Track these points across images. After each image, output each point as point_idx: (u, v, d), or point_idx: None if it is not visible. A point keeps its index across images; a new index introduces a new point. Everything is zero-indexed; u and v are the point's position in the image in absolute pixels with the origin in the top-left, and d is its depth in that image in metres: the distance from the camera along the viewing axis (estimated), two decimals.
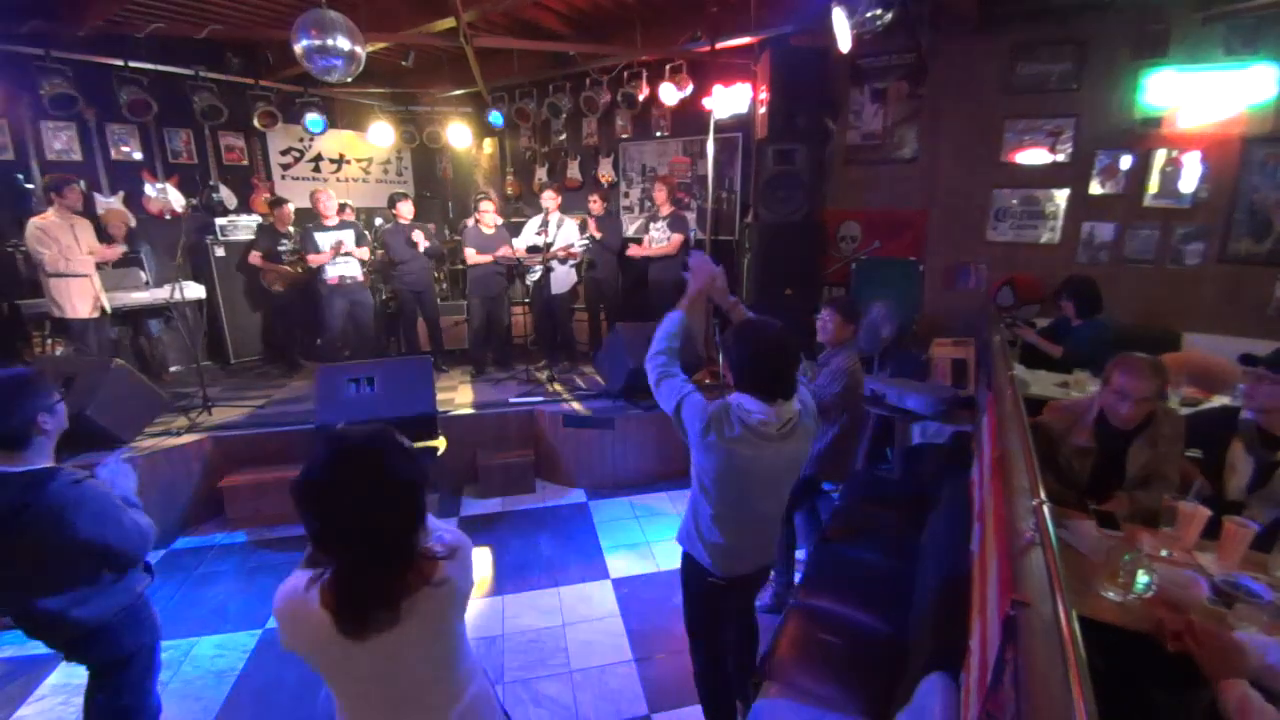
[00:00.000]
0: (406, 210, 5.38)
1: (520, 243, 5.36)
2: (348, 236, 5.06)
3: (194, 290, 5.39)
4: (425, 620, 1.14)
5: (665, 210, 5.40)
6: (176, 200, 5.68)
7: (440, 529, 1.28)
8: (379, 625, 1.08)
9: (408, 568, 1.11)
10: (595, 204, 5.64)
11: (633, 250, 5.58)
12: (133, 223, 5.32)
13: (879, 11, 3.75)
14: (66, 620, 1.75)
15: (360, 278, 5.16)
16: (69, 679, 2.63)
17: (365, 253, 5.20)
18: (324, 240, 4.98)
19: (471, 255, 5.30)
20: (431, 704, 1.24)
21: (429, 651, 1.20)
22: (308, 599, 1.07)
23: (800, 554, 3.13)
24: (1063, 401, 2.60)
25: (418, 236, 5.24)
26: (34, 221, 4.09)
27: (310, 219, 5.18)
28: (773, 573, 3.04)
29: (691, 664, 2.22)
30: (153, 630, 1.99)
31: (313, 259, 5.02)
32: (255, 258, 5.45)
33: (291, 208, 5.63)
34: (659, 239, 5.40)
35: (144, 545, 1.83)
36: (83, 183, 4.49)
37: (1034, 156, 4.51)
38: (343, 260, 5.02)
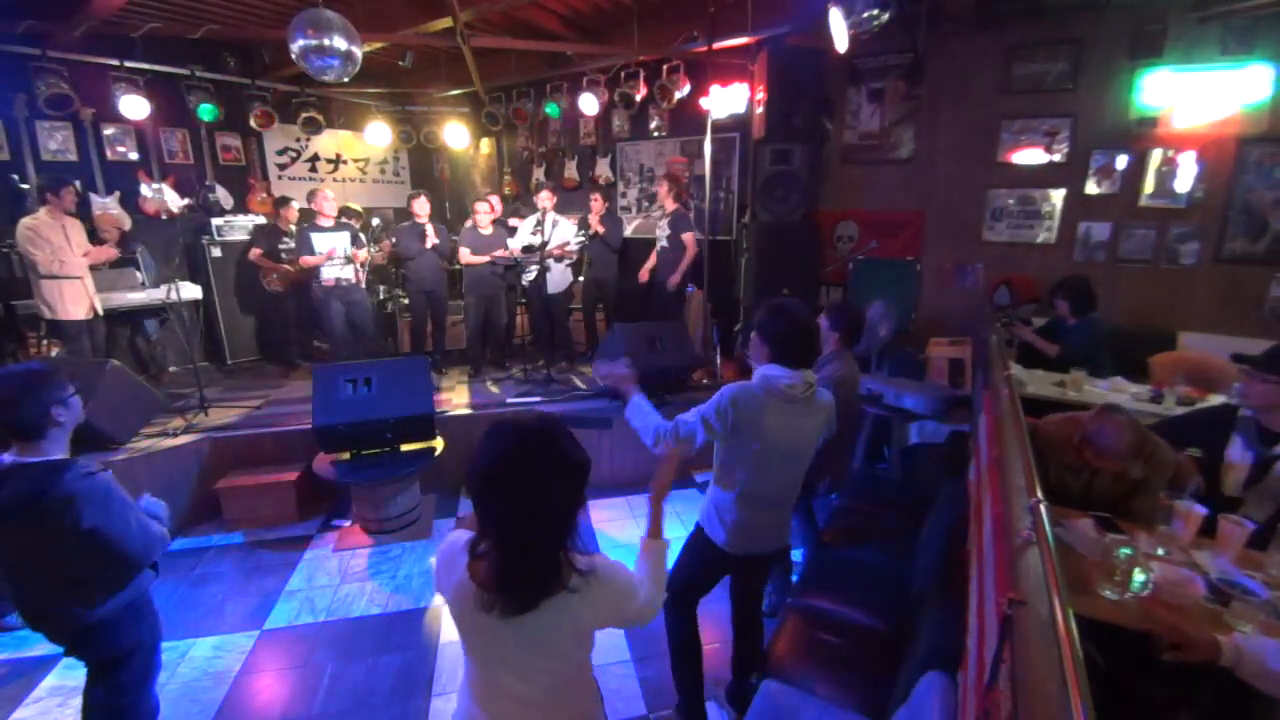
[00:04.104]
0: (420, 208, 5.36)
1: (515, 242, 5.36)
2: (342, 239, 5.03)
3: (190, 291, 5.37)
4: (550, 623, 1.17)
5: (670, 208, 5.38)
6: (173, 200, 5.66)
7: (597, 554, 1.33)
8: (513, 611, 1.13)
9: (556, 565, 1.16)
10: (596, 202, 5.62)
11: (670, 281, 5.42)
12: (127, 225, 5.31)
13: (876, 12, 3.76)
14: (71, 613, 1.76)
15: (354, 279, 5.13)
16: (66, 680, 2.62)
17: (364, 254, 5.18)
18: (319, 241, 4.96)
19: (466, 255, 5.29)
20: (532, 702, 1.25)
21: (547, 658, 1.23)
22: (459, 561, 1.18)
23: (797, 555, 3.12)
24: (1055, 417, 2.47)
25: (429, 229, 5.26)
26: (24, 222, 4.01)
27: (311, 218, 5.17)
28: (770, 581, 3.04)
29: (668, 637, 2.25)
30: (154, 629, 1.99)
31: (305, 260, 5.01)
32: (256, 255, 5.45)
33: (296, 207, 5.62)
34: (663, 238, 5.40)
35: (149, 549, 1.82)
36: (78, 183, 4.47)
37: (1030, 156, 4.52)
38: (337, 262, 5.00)
